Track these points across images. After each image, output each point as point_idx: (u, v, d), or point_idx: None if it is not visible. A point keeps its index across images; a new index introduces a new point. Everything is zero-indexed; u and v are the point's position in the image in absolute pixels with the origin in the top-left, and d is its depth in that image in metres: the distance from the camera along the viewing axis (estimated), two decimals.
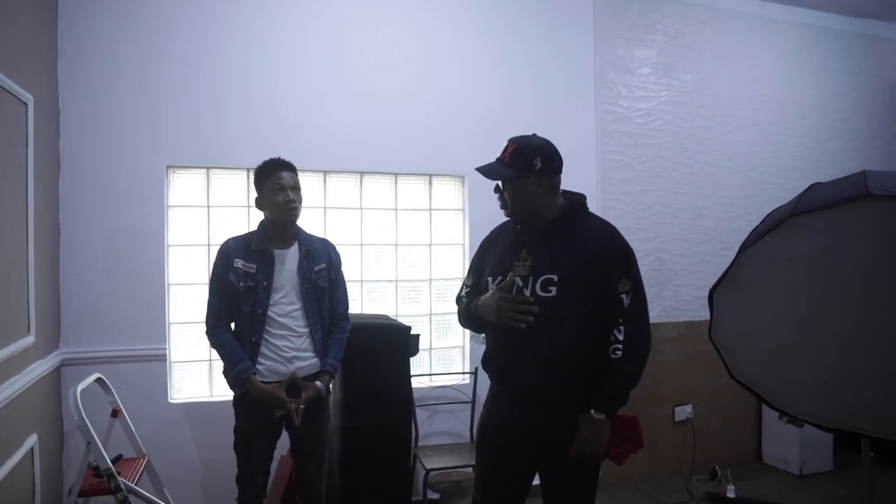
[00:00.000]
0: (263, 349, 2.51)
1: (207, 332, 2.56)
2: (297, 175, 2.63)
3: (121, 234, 3.17)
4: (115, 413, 2.69)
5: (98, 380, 2.65)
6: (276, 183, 2.54)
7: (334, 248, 2.74)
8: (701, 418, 4.27)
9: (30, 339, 2.57)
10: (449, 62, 3.71)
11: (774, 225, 2.38)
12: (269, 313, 2.51)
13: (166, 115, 3.22)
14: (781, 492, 3.90)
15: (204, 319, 2.57)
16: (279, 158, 2.61)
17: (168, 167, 3.27)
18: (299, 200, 2.60)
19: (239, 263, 2.52)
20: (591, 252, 2.02)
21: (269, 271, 2.53)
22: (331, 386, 2.66)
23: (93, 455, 2.21)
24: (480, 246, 2.32)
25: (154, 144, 3.21)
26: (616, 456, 2.04)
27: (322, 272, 2.62)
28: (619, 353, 1.98)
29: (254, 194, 2.64)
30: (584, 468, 2.06)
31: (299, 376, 2.53)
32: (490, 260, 2.23)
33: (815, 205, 2.22)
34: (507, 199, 2.10)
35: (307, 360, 2.57)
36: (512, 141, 2.09)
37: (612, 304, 2.00)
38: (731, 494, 3.78)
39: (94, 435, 2.21)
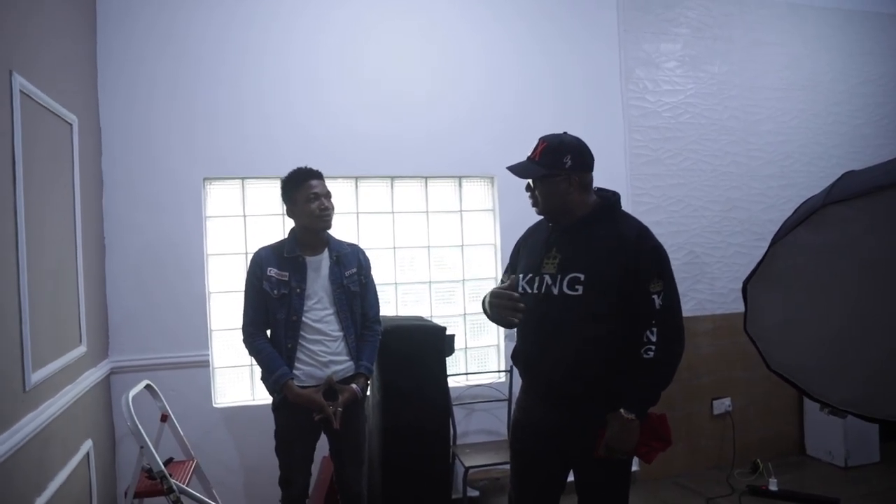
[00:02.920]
0: (300, 354, 2.58)
1: (244, 341, 2.64)
2: (324, 182, 2.68)
3: (162, 245, 3.28)
4: (164, 418, 2.78)
5: (147, 386, 2.75)
6: (309, 192, 2.59)
7: (363, 253, 2.80)
8: (740, 411, 4.24)
9: (82, 349, 2.69)
10: (474, 64, 3.75)
11: (807, 215, 2.36)
12: (304, 319, 2.57)
13: (201, 128, 3.33)
14: (826, 484, 3.84)
15: (241, 328, 2.65)
16: (307, 167, 2.67)
17: (205, 179, 3.38)
18: (332, 207, 2.65)
19: (272, 272, 2.58)
20: (620, 251, 2.02)
21: (302, 278, 2.59)
22: (367, 388, 2.71)
23: (146, 458, 2.30)
24: (517, 244, 2.36)
25: (190, 158, 3.32)
26: (645, 454, 2.04)
27: (353, 277, 2.68)
28: (652, 353, 1.97)
29: None
30: (615, 466, 2.06)
31: (335, 380, 2.59)
32: (523, 257, 2.26)
33: (847, 193, 2.19)
34: (538, 197, 2.13)
35: (342, 364, 2.63)
36: (543, 139, 2.12)
37: (642, 305, 1.99)
38: (773, 487, 3.74)
39: (147, 439, 2.30)
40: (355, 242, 2.87)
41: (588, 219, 2.11)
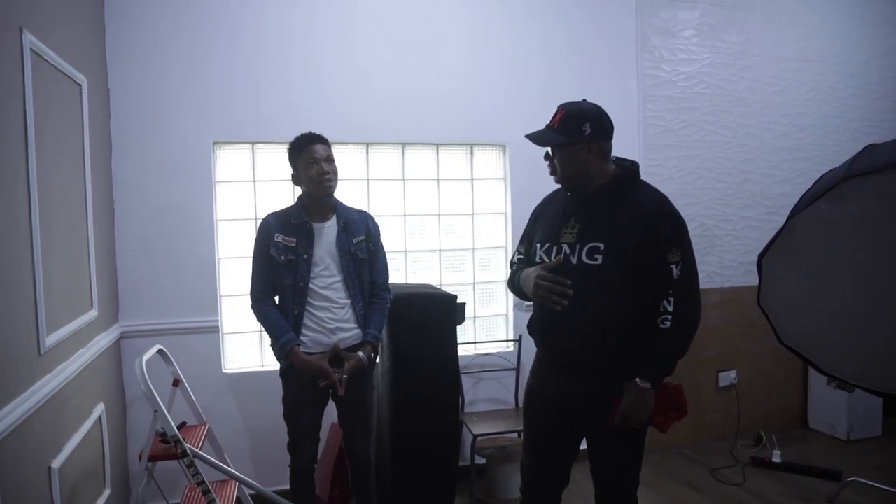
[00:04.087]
0: (307, 321, 2.56)
1: (252, 307, 2.63)
2: (329, 147, 2.64)
3: (171, 210, 3.25)
4: (176, 383, 2.78)
5: (159, 351, 2.74)
6: (309, 157, 2.56)
7: (373, 220, 2.76)
8: (745, 384, 4.26)
9: (93, 314, 2.67)
10: (488, 29, 3.68)
11: (827, 188, 2.32)
12: (311, 286, 2.56)
13: (212, 91, 3.27)
14: (828, 457, 3.88)
15: (249, 293, 2.64)
16: (311, 132, 2.63)
17: (214, 143, 3.33)
18: (334, 172, 2.61)
19: (279, 238, 2.56)
20: (640, 221, 2.00)
21: (309, 244, 2.57)
22: (378, 355, 2.71)
23: (160, 422, 2.30)
24: (533, 213, 2.33)
25: (200, 121, 3.26)
26: (660, 423, 2.07)
27: (361, 244, 2.64)
28: (668, 323, 1.98)
29: None
30: (628, 435, 2.07)
31: (342, 347, 2.58)
32: (540, 227, 2.24)
33: (870, 167, 2.16)
34: (557, 166, 2.10)
35: (350, 332, 2.61)
36: (561, 107, 2.08)
37: (660, 275, 1.99)
38: (776, 459, 3.78)
39: (161, 403, 2.31)
40: (365, 209, 2.82)
41: (607, 188, 2.09)
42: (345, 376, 2.53)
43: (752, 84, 4.22)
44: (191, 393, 2.86)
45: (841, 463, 3.71)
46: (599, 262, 2.00)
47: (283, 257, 2.55)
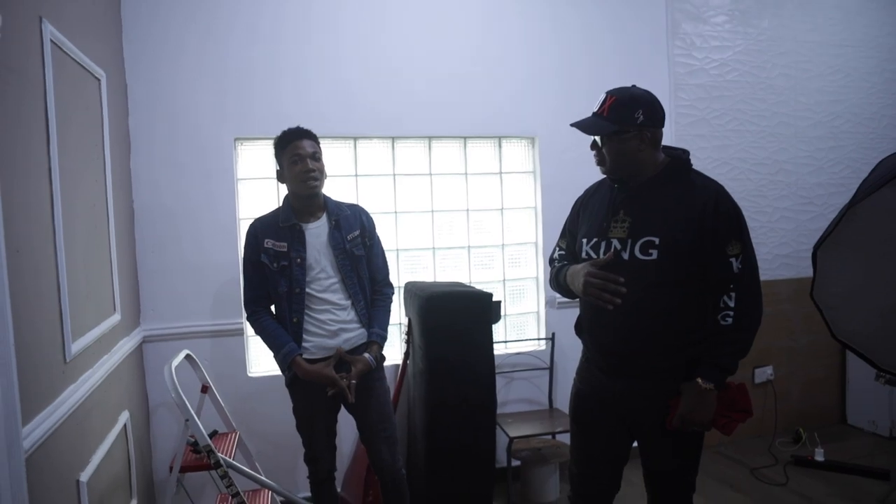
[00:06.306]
0: (307, 326, 2.42)
1: (248, 319, 2.51)
2: (317, 143, 2.48)
3: (192, 209, 3.14)
4: (205, 389, 2.68)
5: (187, 356, 2.64)
6: (293, 153, 2.41)
7: (366, 213, 2.59)
8: (781, 380, 4.13)
9: (116, 318, 2.57)
10: (514, 20, 3.55)
11: (892, 176, 2.21)
12: (308, 290, 2.41)
13: (231, 86, 3.16)
14: (871, 454, 3.75)
15: (243, 305, 2.51)
16: (298, 127, 2.47)
17: (236, 139, 3.22)
18: (319, 170, 2.44)
19: (269, 244, 2.41)
20: (696, 213, 1.88)
21: (301, 247, 2.41)
22: (408, 354, 2.58)
23: (191, 431, 2.20)
24: (574, 206, 2.22)
25: (220, 117, 3.16)
26: (724, 426, 1.94)
27: (356, 240, 2.48)
28: (730, 320, 1.86)
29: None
30: (686, 439, 1.96)
31: (347, 348, 2.43)
32: (584, 221, 2.12)
33: None
34: (606, 156, 1.98)
35: (353, 332, 2.46)
36: (611, 93, 1.96)
37: (720, 269, 1.87)
38: (819, 458, 3.65)
39: (192, 412, 2.20)
40: (356, 202, 2.63)
41: (659, 179, 1.98)
42: (353, 381, 2.38)
43: (786, 71, 4.08)
44: (220, 399, 2.75)
45: (886, 461, 3.58)
46: (654, 256, 1.89)
47: (275, 264, 2.40)
